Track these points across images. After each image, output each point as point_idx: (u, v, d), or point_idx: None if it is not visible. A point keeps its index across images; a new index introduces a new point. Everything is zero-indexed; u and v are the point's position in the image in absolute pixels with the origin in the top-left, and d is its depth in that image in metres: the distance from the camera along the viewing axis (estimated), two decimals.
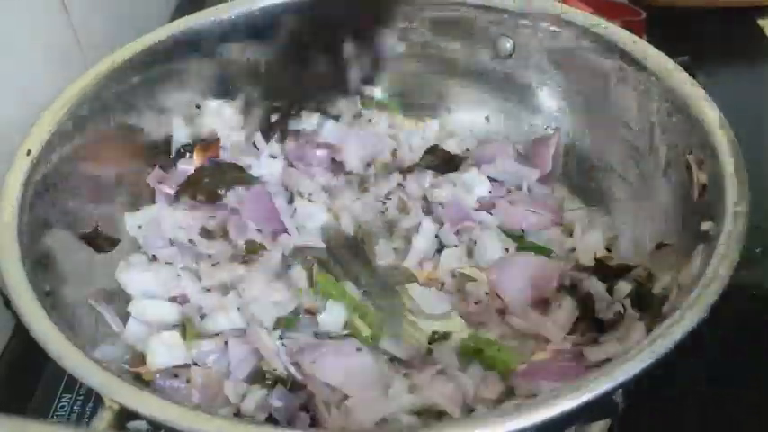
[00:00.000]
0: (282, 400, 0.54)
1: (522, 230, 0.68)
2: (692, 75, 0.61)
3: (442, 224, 0.68)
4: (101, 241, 0.63)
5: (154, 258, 0.65)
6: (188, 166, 0.71)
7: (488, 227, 0.67)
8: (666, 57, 0.63)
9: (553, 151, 0.72)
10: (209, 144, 0.73)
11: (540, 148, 0.73)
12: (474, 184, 0.70)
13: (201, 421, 0.41)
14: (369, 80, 0.78)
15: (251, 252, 0.65)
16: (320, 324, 0.60)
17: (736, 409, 0.60)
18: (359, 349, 0.57)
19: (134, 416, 0.44)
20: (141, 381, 0.56)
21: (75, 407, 0.64)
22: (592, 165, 0.71)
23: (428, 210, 0.70)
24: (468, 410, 0.53)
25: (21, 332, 0.67)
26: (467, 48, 0.75)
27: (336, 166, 0.74)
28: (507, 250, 0.65)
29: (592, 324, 0.58)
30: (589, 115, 0.71)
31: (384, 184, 0.71)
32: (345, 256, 0.66)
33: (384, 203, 0.69)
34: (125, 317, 0.60)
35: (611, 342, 0.54)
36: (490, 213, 0.68)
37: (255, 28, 0.72)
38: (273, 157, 0.73)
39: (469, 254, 0.66)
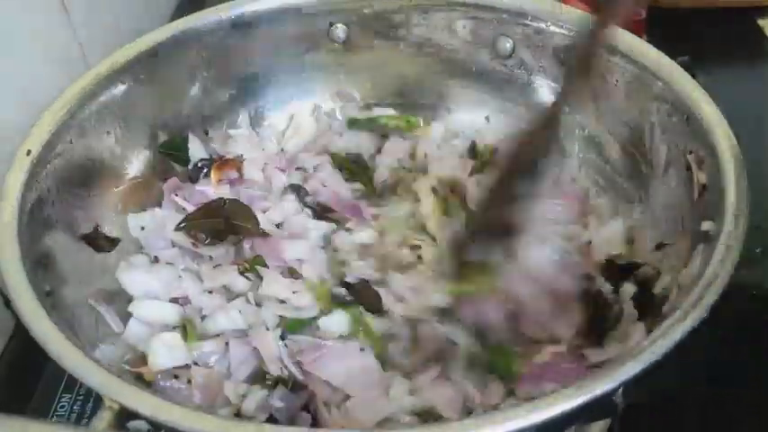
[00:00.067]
0: (283, 400, 0.54)
1: None
2: (692, 75, 0.61)
3: None
4: (101, 241, 0.63)
5: (155, 259, 0.65)
6: (206, 187, 0.70)
7: None
8: (666, 57, 0.63)
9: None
10: (227, 161, 0.72)
11: None
12: None
13: (201, 421, 0.41)
14: None
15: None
16: (321, 328, 0.60)
17: (736, 409, 0.60)
18: (362, 350, 0.57)
19: (134, 416, 0.44)
20: (142, 381, 0.56)
21: (75, 407, 0.64)
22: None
23: None
24: (468, 413, 0.53)
25: (21, 332, 0.67)
26: (467, 48, 0.75)
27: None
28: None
29: (592, 323, 0.58)
30: (589, 115, 0.71)
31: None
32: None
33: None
34: (125, 317, 0.60)
35: (613, 343, 0.54)
36: None
37: None
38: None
39: None
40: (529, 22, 0.70)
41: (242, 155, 0.73)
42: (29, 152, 0.57)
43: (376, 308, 0.60)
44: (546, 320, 0.59)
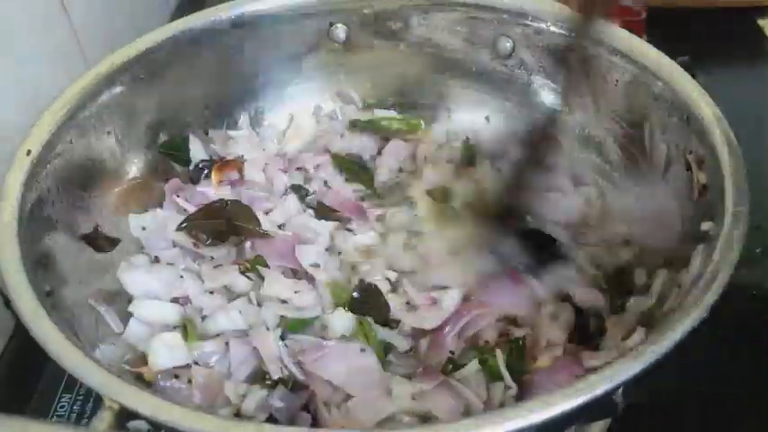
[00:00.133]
0: (283, 400, 0.54)
1: None
2: (692, 75, 0.61)
3: None
4: (101, 241, 0.63)
5: (156, 259, 0.65)
6: (207, 188, 0.70)
7: None
8: (666, 57, 0.63)
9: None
10: (228, 162, 0.72)
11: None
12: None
13: (201, 421, 0.41)
14: None
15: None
16: (328, 325, 0.60)
17: (736, 409, 0.60)
18: (363, 350, 0.57)
19: (134, 416, 0.44)
20: (142, 381, 0.56)
21: (75, 407, 0.64)
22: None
23: None
24: None
25: (21, 332, 0.67)
26: (467, 48, 0.75)
27: None
28: None
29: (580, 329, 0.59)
30: (589, 115, 0.71)
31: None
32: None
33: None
34: (125, 317, 0.60)
35: (609, 348, 0.55)
36: None
37: None
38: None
39: None
40: (529, 22, 0.70)
41: (242, 156, 0.73)
42: (29, 152, 0.57)
43: (384, 318, 0.61)
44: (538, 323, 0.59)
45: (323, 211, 0.70)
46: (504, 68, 0.74)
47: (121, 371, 0.56)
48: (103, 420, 0.44)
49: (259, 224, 0.66)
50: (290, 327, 0.60)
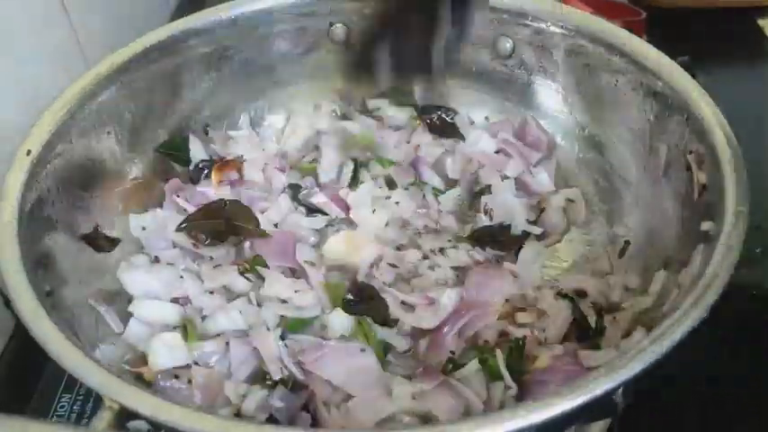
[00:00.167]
0: (283, 400, 0.54)
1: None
2: (692, 75, 0.61)
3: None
4: (101, 241, 0.63)
5: (156, 260, 0.65)
6: (206, 188, 0.70)
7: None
8: (666, 57, 0.63)
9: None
10: (228, 162, 0.72)
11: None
12: (478, 141, 0.73)
13: (201, 421, 0.41)
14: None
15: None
16: (328, 325, 0.60)
17: (736, 409, 0.60)
18: (362, 350, 0.57)
19: (134, 416, 0.44)
20: (142, 381, 0.56)
21: (75, 407, 0.64)
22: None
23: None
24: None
25: (21, 332, 0.67)
26: (467, 48, 0.75)
27: None
28: None
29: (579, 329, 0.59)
30: (589, 115, 0.71)
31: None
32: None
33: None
34: (125, 317, 0.60)
35: (609, 348, 0.55)
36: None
37: None
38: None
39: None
40: (529, 23, 0.70)
41: (242, 156, 0.73)
42: (29, 152, 0.57)
43: (382, 318, 0.60)
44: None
45: (313, 209, 0.70)
46: (504, 68, 0.74)
47: (121, 371, 0.56)
48: (103, 420, 0.44)
49: (258, 224, 0.66)
50: (290, 327, 0.60)
